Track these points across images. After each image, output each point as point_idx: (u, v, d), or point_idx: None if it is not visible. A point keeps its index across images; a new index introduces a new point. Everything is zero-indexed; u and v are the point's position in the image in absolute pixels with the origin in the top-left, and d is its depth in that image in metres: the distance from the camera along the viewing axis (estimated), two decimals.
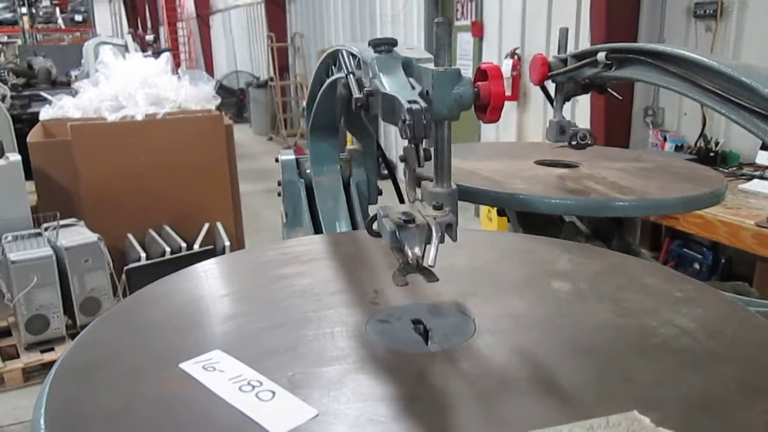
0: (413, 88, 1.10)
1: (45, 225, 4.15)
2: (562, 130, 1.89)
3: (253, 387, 0.90)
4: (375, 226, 1.14)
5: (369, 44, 1.22)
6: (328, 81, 1.67)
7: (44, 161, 4.33)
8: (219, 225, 4.68)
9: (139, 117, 4.55)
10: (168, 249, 4.39)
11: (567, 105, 1.96)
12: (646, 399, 0.85)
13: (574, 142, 1.90)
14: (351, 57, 1.40)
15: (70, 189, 4.36)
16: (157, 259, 4.34)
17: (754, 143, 4.08)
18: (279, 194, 1.98)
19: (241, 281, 1.32)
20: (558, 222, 2.06)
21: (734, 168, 4.17)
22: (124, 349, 1.01)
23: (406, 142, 1.04)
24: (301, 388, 0.88)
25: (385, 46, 1.20)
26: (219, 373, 0.93)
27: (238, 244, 4.76)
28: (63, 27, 18.72)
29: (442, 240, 1.05)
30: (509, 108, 5.92)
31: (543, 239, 1.48)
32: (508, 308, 1.13)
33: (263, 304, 1.16)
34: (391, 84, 1.10)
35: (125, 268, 4.28)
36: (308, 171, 1.97)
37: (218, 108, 5.00)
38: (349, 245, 1.47)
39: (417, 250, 1.05)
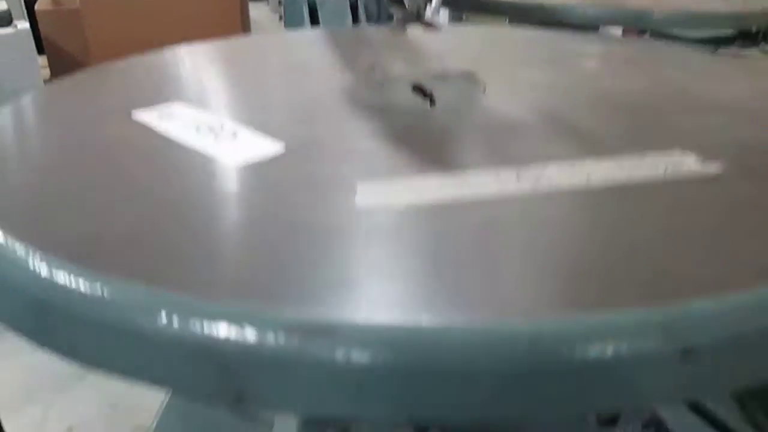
0: None
1: None
2: None
3: (212, 129, 0.74)
4: None
5: None
6: None
7: (54, 32, 4.14)
8: None
9: None
10: None
11: None
12: (689, 144, 0.68)
13: None
14: None
15: (81, 60, 4.19)
16: None
17: None
18: (280, 18, 1.78)
19: (225, 61, 1.15)
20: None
21: None
22: (73, 102, 0.86)
23: None
24: (269, 130, 0.73)
25: None
26: (176, 119, 0.78)
27: None
28: None
29: None
30: None
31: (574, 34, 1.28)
32: (527, 78, 0.95)
33: (246, 70, 0.99)
34: None
35: None
36: None
37: None
38: (349, 36, 1.28)
39: (418, 2, 0.87)
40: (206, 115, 0.78)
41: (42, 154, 0.69)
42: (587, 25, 1.53)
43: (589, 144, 0.68)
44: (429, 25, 0.89)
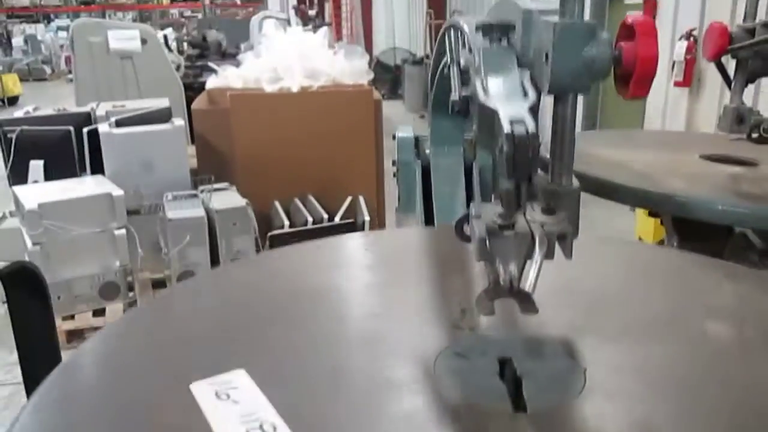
0: (525, 95, 0.78)
1: (201, 187, 4.24)
2: (740, 119, 1.45)
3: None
4: (467, 227, 0.85)
5: (477, 27, 0.90)
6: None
7: (205, 127, 4.40)
8: (361, 199, 4.54)
9: (295, 89, 4.49)
10: (310, 219, 4.32)
11: (749, 88, 1.51)
12: None
13: (755, 135, 1.45)
14: (459, 35, 1.07)
15: (226, 154, 4.41)
16: (300, 228, 4.29)
17: None
18: (394, 175, 1.72)
19: (307, 275, 1.05)
20: (725, 232, 1.61)
21: None
22: (140, 356, 0.80)
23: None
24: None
25: (497, 31, 0.88)
26: (231, 404, 0.70)
27: (379, 219, 4.59)
28: (239, 2, 19.56)
29: (549, 256, 0.74)
30: (679, 95, 5.20)
31: (701, 258, 1.09)
32: (637, 357, 0.78)
33: (320, 310, 0.90)
34: (496, 88, 0.78)
35: (269, 233, 4.28)
36: (427, 151, 1.69)
37: (372, 83, 4.84)
38: (450, 242, 1.17)
39: (512, 269, 0.74)
40: (262, 402, 0.69)
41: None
42: (720, 228, 1.33)
43: None
44: (524, 299, 0.77)
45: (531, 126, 0.69)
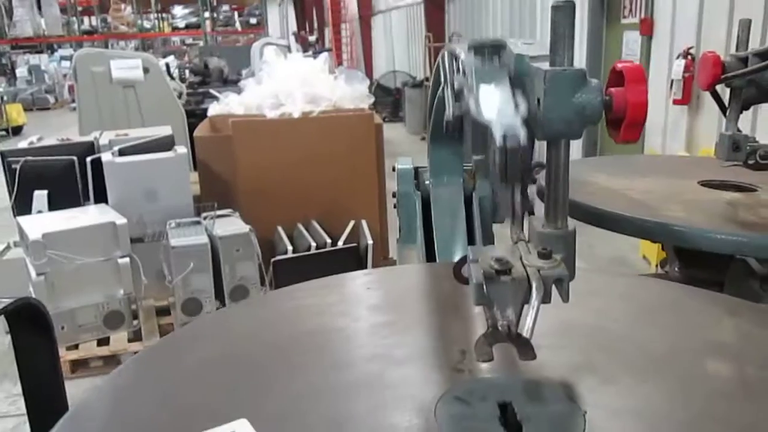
0: (517, 107, 0.79)
1: (204, 214, 4.25)
2: (736, 146, 1.45)
3: None
4: (465, 270, 0.85)
5: (469, 47, 0.92)
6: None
7: (207, 154, 4.43)
8: (364, 223, 4.54)
9: (296, 114, 4.52)
10: (314, 244, 4.33)
11: (747, 115, 1.52)
12: None
13: (751, 161, 1.46)
14: (454, 61, 1.09)
15: (228, 181, 4.43)
16: (303, 253, 4.29)
17: None
18: (394, 206, 1.73)
19: (303, 320, 1.04)
20: (726, 258, 1.62)
21: None
22: (143, 403, 0.81)
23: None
24: None
25: (490, 49, 0.90)
26: None
27: (382, 242, 4.60)
28: (239, 29, 19.81)
29: (546, 300, 0.75)
30: (679, 113, 5.22)
31: (701, 292, 1.09)
32: (637, 399, 0.79)
33: (320, 356, 0.91)
34: (488, 102, 0.80)
35: (273, 259, 4.28)
36: (427, 182, 1.70)
37: (373, 107, 4.88)
38: (451, 281, 1.18)
39: (509, 314, 0.75)
40: None
41: None
42: (721, 254, 1.34)
43: None
44: (522, 344, 0.77)
45: (521, 134, 0.71)
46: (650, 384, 0.82)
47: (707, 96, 4.98)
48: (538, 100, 0.77)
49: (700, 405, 0.77)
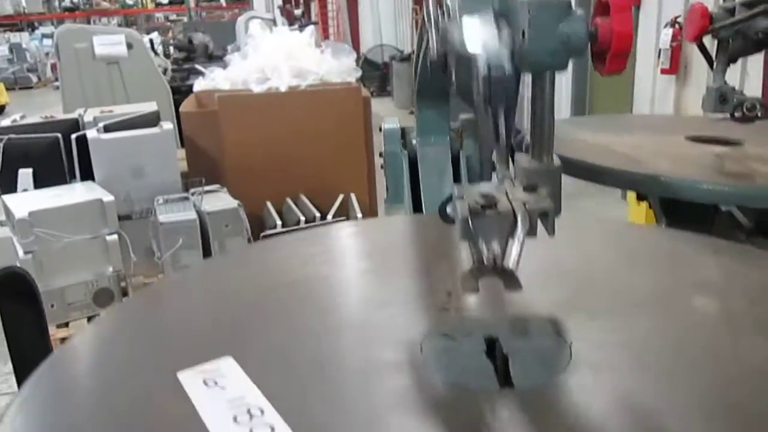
0: (502, 38, 0.78)
1: (192, 190, 4.22)
2: (723, 99, 1.45)
3: (252, 416, 0.65)
4: (450, 209, 0.85)
5: None
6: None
7: (194, 130, 4.39)
8: (353, 196, 4.54)
9: (283, 89, 4.48)
10: (303, 218, 4.32)
11: (732, 68, 1.52)
12: None
13: (738, 114, 1.46)
14: (438, 5, 1.07)
15: (215, 156, 4.39)
16: (293, 228, 4.28)
17: None
18: (381, 167, 1.72)
19: (288, 270, 1.04)
20: (712, 212, 1.62)
21: None
22: (128, 347, 0.80)
23: None
24: (312, 427, 0.63)
25: None
26: (219, 390, 0.70)
27: (371, 215, 4.59)
28: (224, 4, 19.38)
29: (532, 233, 0.74)
30: (666, 82, 5.22)
31: (687, 236, 1.10)
32: (623, 332, 0.79)
33: (305, 302, 0.90)
34: (472, 34, 0.78)
35: (262, 234, 4.27)
36: (414, 142, 1.69)
37: (361, 81, 4.84)
38: (437, 229, 1.17)
39: (495, 247, 0.74)
40: (249, 387, 0.69)
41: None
42: (708, 208, 1.34)
43: None
44: (507, 276, 0.77)
45: (506, 62, 0.70)
46: (635, 319, 0.82)
47: (695, 65, 4.98)
48: (523, 33, 0.76)
49: (684, 336, 0.78)
